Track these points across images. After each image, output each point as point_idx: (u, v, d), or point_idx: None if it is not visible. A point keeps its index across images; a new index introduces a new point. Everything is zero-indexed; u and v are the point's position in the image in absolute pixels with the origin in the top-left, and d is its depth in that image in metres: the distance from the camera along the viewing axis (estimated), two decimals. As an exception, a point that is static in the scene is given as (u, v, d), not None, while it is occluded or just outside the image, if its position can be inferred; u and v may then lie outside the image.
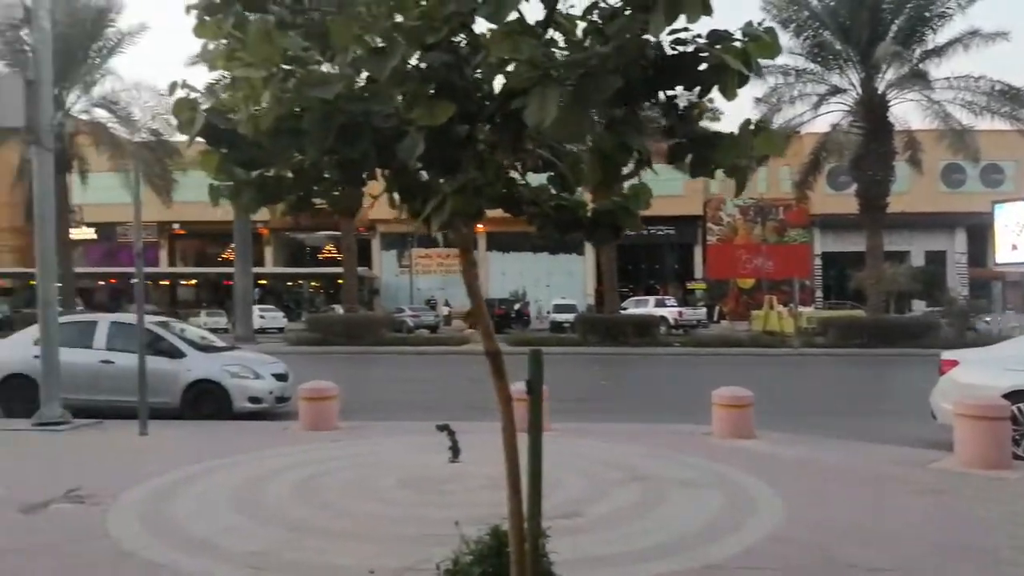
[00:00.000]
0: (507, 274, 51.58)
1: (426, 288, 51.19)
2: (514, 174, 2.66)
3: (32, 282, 44.19)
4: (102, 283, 50.72)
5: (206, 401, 11.15)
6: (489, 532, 3.74)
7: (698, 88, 2.31)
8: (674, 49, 2.27)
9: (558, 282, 51.24)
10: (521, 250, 49.94)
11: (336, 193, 2.95)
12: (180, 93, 2.74)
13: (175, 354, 11.27)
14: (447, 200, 2.25)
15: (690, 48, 2.25)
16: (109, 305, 45.18)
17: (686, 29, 2.19)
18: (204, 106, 2.76)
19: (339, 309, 38.74)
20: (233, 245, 37.22)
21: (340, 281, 45.49)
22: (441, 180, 2.56)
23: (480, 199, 2.31)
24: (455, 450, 7.62)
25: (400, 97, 2.24)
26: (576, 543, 5.02)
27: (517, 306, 44.01)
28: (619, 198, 2.91)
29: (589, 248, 48.01)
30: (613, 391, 16.53)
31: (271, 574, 4.58)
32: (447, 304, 48.43)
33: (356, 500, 6.29)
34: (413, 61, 2.19)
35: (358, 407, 11.61)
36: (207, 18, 2.96)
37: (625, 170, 2.44)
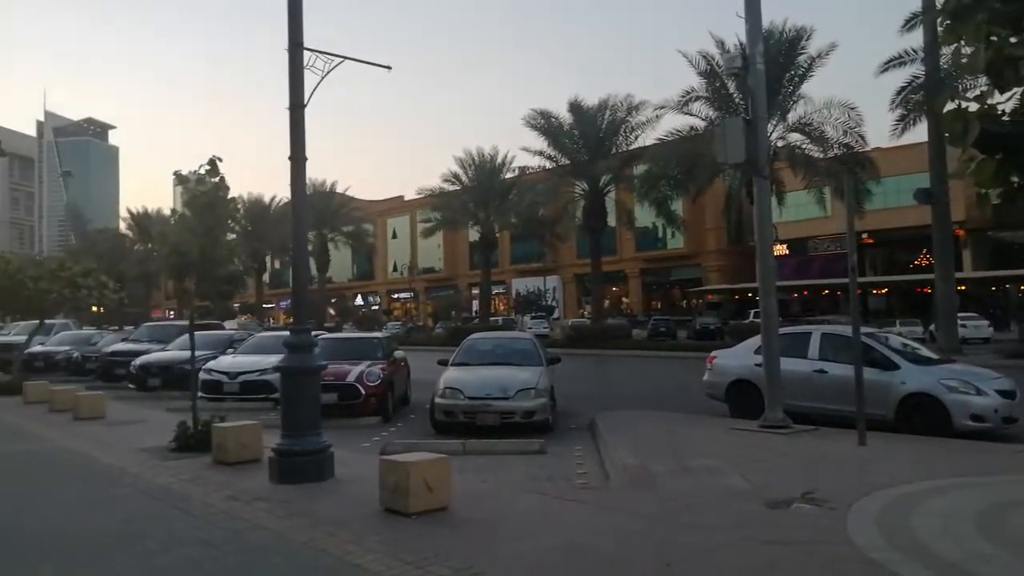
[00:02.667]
0: None
1: None
2: None
3: (736, 296, 49.40)
4: (795, 295, 53.78)
5: (922, 416, 10.66)
6: None
7: None
8: None
9: None
10: None
11: None
12: (949, 106, 2.69)
13: (887, 366, 11.10)
14: None
15: None
16: (801, 316, 47.57)
17: None
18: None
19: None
20: (926, 250, 35.07)
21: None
22: None
23: None
24: None
25: None
26: None
27: None
28: None
29: None
30: None
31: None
32: None
33: None
34: None
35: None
36: (951, 22, 2.85)
37: None
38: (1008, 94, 2.77)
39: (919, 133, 29.38)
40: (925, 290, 39.93)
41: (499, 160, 47.69)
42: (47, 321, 22.59)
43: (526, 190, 43.99)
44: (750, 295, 47.63)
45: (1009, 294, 48.92)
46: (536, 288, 65.24)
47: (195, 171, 9.65)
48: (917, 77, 28.00)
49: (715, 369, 13.42)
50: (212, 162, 9.40)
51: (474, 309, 62.14)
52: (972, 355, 24.30)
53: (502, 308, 70.81)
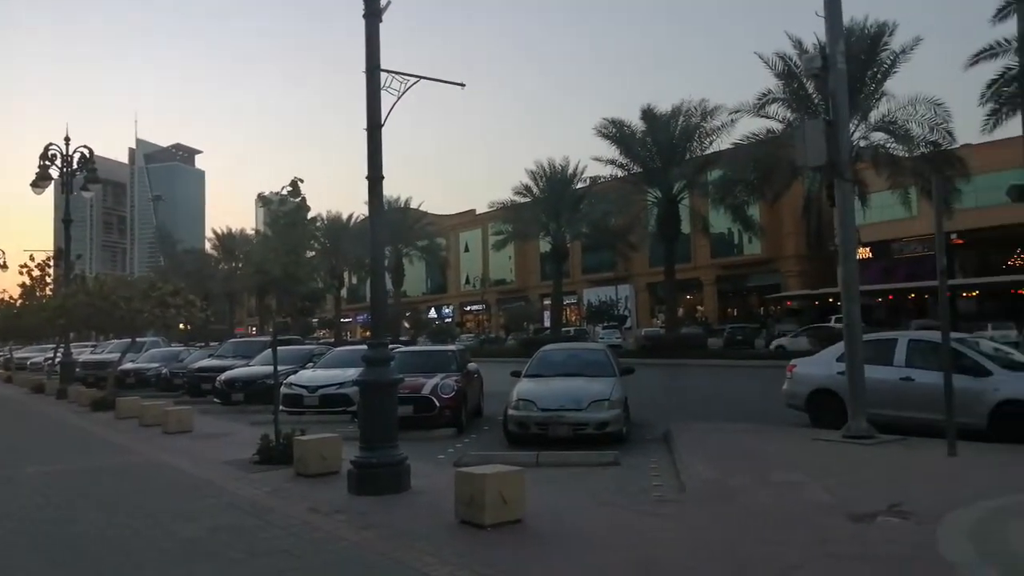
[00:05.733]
0: None
1: None
2: None
3: (816, 303, 47.89)
4: (879, 300, 51.75)
5: (1016, 424, 10.08)
6: None
7: None
8: None
9: None
10: None
11: None
12: None
13: (979, 372, 10.56)
14: None
15: None
16: (886, 321, 45.71)
17: None
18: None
19: None
20: (1020, 250, 33.34)
21: None
22: None
23: None
24: None
25: None
26: None
27: None
28: None
29: None
30: None
31: None
32: None
33: None
34: None
35: None
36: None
37: None
38: None
39: (1012, 127, 28.03)
40: (1019, 292, 37.90)
41: (570, 171, 47.69)
42: (138, 339, 23.67)
43: (598, 199, 43.91)
44: (831, 301, 46.12)
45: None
46: (608, 298, 64.74)
47: (277, 192, 9.99)
48: (1010, 68, 26.74)
49: (795, 378, 13.05)
50: (294, 183, 9.70)
51: (546, 320, 62.10)
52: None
53: (574, 318, 70.55)
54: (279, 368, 10.87)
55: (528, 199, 47.97)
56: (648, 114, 38.53)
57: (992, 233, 44.60)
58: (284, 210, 9.89)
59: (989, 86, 27.28)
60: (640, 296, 68.62)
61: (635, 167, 39.36)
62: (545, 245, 54.82)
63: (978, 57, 27.38)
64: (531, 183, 48.06)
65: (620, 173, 40.20)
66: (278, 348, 10.78)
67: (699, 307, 65.98)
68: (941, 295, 9.70)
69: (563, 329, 52.07)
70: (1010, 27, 26.31)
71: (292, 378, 15.76)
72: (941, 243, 9.75)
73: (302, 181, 9.71)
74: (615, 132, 38.93)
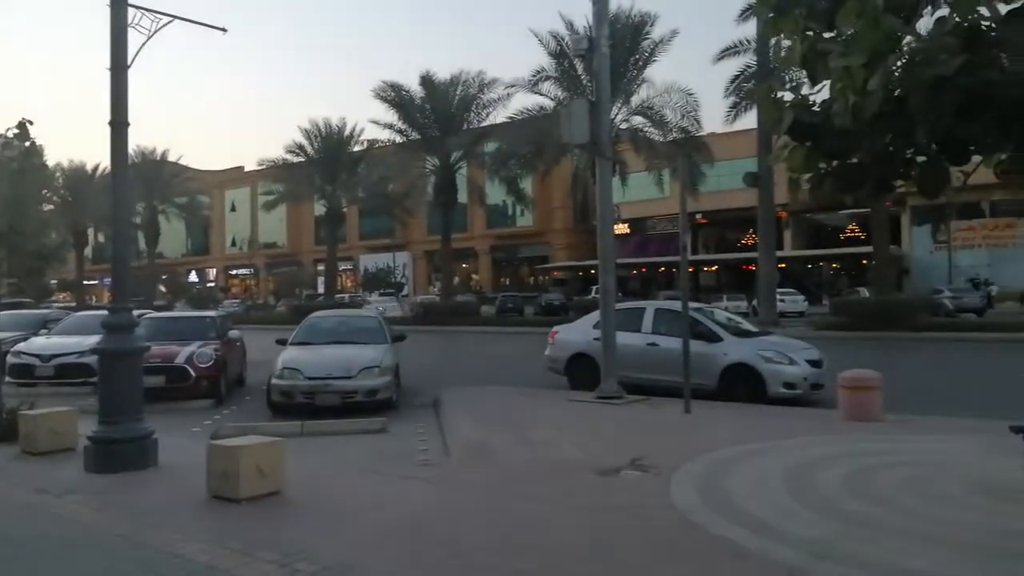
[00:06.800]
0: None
1: (967, 265, 44.83)
2: None
3: (580, 273, 51.01)
4: (634, 272, 56.26)
5: (741, 385, 11.47)
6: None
7: None
8: None
9: None
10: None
11: (920, 174, 2.76)
12: (768, 95, 2.87)
13: (712, 338, 11.84)
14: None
15: None
16: (640, 292, 49.89)
17: None
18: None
19: (863, 291, 36.48)
20: (753, 231, 37.67)
21: (864, 262, 42.80)
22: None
23: None
24: (1026, 454, 6.47)
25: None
26: None
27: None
28: None
29: None
30: None
31: (833, 565, 4.49)
32: (989, 283, 41.39)
33: (917, 499, 5.79)
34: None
35: (899, 399, 10.68)
36: (773, 16, 3.02)
37: None
38: (819, 86, 2.97)
39: (750, 120, 31.38)
40: (750, 267, 42.96)
41: (347, 132, 46.29)
42: None
43: (375, 164, 43.17)
44: (594, 272, 49.18)
45: (823, 271, 53.69)
46: (385, 265, 64.36)
47: (1, 135, 8.73)
48: (750, 66, 29.77)
49: (556, 344, 13.79)
50: (22, 125, 8.66)
51: (320, 286, 60.45)
52: (788, 327, 26.42)
53: (350, 285, 69.35)
54: (5, 335, 9.61)
55: (302, 159, 45.98)
56: (427, 81, 38.32)
57: (730, 215, 50.03)
58: (9, 155, 8.70)
59: (732, 81, 30.31)
60: (418, 263, 68.94)
61: (414, 133, 39.09)
62: (320, 208, 53.03)
63: (723, 54, 30.27)
64: (305, 142, 46.09)
65: (399, 138, 39.75)
66: (5, 312, 9.50)
67: (474, 275, 67.61)
68: (683, 269, 10.70)
69: (337, 296, 50.95)
70: (751, 28, 29.29)
71: (21, 346, 13.98)
72: (685, 222, 10.73)
73: (31, 123, 8.71)
74: (394, 96, 38.34)
